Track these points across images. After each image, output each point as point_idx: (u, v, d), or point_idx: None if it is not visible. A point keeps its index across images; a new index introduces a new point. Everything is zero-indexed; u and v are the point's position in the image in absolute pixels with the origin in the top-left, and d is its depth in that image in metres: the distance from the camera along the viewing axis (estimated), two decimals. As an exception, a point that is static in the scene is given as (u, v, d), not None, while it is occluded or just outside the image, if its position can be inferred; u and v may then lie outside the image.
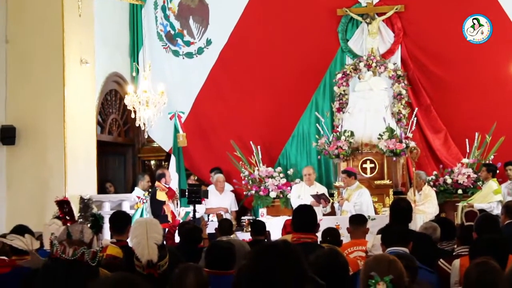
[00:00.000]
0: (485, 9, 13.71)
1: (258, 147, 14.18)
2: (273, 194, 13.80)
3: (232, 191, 14.13)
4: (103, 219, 4.04)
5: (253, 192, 13.91)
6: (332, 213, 12.38)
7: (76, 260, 3.70)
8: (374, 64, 13.74)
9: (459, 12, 13.85)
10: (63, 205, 3.98)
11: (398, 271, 3.63)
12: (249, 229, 9.57)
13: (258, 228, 8.81)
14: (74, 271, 3.69)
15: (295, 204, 11.74)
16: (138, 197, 12.54)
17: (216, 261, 5.55)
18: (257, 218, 12.72)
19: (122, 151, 15.40)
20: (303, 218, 6.15)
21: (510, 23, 13.54)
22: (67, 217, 3.96)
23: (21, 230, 6.24)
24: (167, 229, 9.49)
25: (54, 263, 3.74)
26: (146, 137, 14.61)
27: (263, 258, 2.99)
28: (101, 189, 13.90)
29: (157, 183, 12.62)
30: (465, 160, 13.33)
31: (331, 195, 12.83)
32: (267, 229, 10.54)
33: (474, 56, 13.76)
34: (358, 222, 7.82)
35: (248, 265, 3.02)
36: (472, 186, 13.09)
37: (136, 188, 13.17)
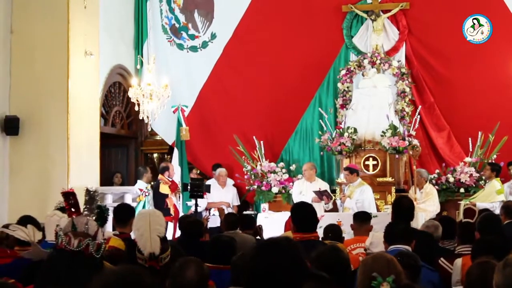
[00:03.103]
0: (485, 9, 13.71)
1: (261, 142, 14.19)
2: (275, 189, 13.81)
3: (233, 185, 14.13)
4: (108, 211, 4.04)
5: (255, 187, 13.92)
6: (335, 209, 12.36)
7: (80, 252, 3.71)
8: (378, 61, 13.75)
9: (459, 12, 13.85)
10: (69, 196, 3.99)
11: (397, 270, 3.64)
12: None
13: (247, 222, 8.82)
14: (79, 262, 3.70)
15: (296, 200, 11.74)
16: (141, 190, 12.57)
17: (217, 256, 5.55)
18: (254, 212, 12.76)
19: (125, 143, 15.40)
20: (303, 219, 5.94)
21: (512, 22, 13.58)
22: (72, 209, 3.96)
23: (27, 220, 6.23)
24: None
25: (59, 254, 3.75)
26: (149, 130, 14.62)
27: (265, 254, 3.01)
28: (109, 180, 13.93)
29: (160, 176, 12.63)
30: (467, 159, 13.33)
31: (333, 191, 12.82)
32: (267, 224, 10.57)
33: (475, 56, 13.76)
34: (362, 219, 7.82)
35: (250, 261, 3.04)
36: (474, 185, 13.09)
37: (138, 180, 13.17)
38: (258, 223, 9.81)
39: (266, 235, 9.11)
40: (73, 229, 3.77)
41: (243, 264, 4.75)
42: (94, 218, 4.04)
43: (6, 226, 6.34)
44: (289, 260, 2.99)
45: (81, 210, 4.09)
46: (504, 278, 3.27)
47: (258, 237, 8.83)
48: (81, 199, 10.87)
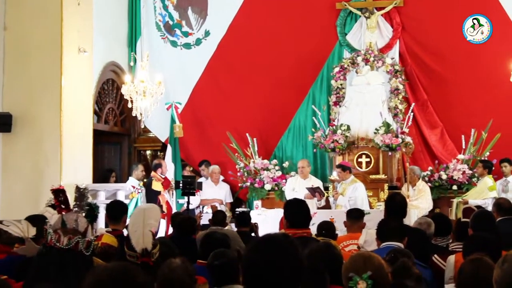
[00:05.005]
0: (485, 9, 13.72)
1: (254, 139, 14.18)
2: (268, 187, 13.81)
3: (223, 180, 14.12)
4: (98, 208, 4.03)
5: (248, 184, 13.91)
6: (327, 206, 12.38)
7: (70, 249, 3.69)
8: (372, 59, 13.76)
9: (459, 12, 13.86)
10: (59, 194, 3.98)
11: (375, 266, 3.64)
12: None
13: (243, 219, 8.82)
14: (68, 260, 3.68)
15: (289, 196, 11.72)
16: (133, 187, 12.55)
17: (210, 252, 5.53)
18: (247, 210, 12.75)
19: (118, 140, 15.37)
20: (296, 214, 5.86)
21: (510, 23, 13.56)
22: (62, 205, 3.95)
23: (36, 219, 6.15)
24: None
25: (48, 251, 3.73)
26: (142, 127, 14.59)
27: (262, 250, 3.00)
28: (102, 178, 13.89)
29: (153, 173, 12.61)
30: (460, 156, 13.34)
31: (326, 188, 12.83)
32: (260, 221, 10.55)
33: (474, 55, 13.77)
34: (355, 216, 7.83)
35: (247, 257, 3.03)
36: (467, 182, 13.12)
37: (130, 177, 13.15)
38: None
39: (261, 232, 9.11)
40: (63, 225, 3.75)
41: (240, 260, 4.77)
42: (84, 215, 4.03)
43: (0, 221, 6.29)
44: (286, 257, 2.98)
45: (71, 207, 4.07)
46: (503, 274, 3.32)
47: (253, 234, 8.85)
48: (72, 196, 10.84)
